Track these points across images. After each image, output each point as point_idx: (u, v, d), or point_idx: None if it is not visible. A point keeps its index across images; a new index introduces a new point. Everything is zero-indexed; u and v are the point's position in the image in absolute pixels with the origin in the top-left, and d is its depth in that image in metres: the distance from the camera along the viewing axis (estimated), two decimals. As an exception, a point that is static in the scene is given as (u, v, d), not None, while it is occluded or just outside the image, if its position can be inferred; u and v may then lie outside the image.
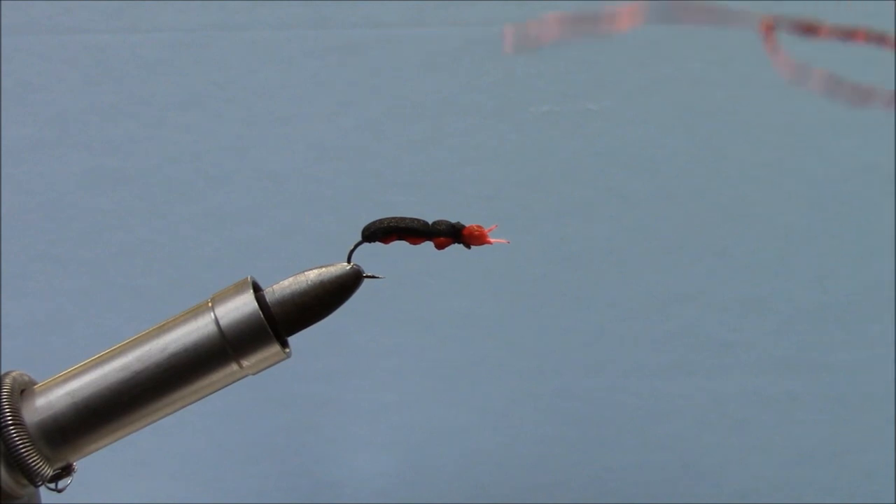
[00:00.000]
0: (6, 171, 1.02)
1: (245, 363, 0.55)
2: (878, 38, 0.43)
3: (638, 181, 1.03)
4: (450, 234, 0.57)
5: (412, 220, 0.57)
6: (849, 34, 0.43)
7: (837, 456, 1.09)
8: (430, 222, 0.57)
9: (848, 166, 1.02)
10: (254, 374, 0.57)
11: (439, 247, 0.57)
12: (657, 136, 1.02)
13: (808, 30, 0.42)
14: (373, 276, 0.57)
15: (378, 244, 0.57)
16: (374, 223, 0.57)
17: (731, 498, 1.09)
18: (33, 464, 0.54)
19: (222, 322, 0.55)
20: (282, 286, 0.56)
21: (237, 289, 0.56)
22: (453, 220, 0.57)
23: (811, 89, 0.43)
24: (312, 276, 0.56)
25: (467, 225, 0.57)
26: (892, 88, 0.45)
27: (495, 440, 1.09)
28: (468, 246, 0.57)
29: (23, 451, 0.54)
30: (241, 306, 0.55)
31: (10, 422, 0.54)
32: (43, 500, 0.59)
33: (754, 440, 1.09)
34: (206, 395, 0.57)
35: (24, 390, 0.57)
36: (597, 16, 0.44)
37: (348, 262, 0.56)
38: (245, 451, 1.10)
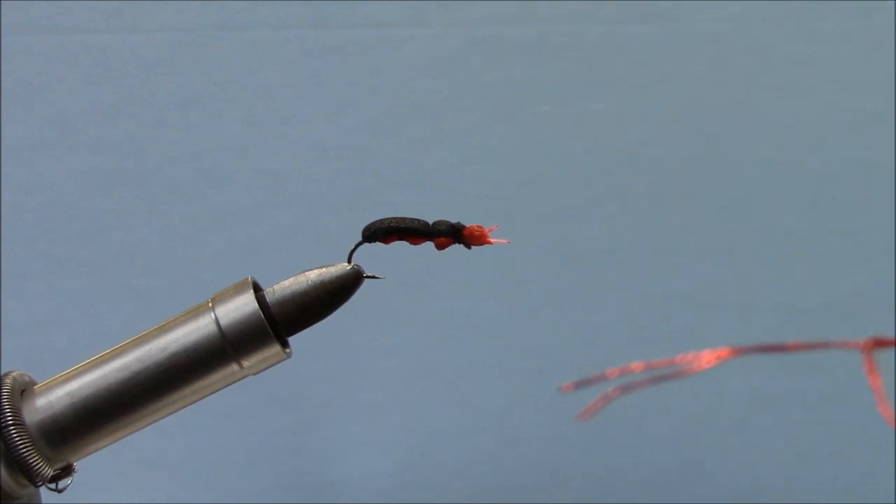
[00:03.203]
0: (6, 171, 1.02)
1: (245, 363, 0.55)
2: None
3: (638, 181, 1.03)
4: (450, 234, 0.57)
5: (412, 220, 0.57)
6: None
7: (837, 456, 1.09)
8: (430, 222, 0.57)
9: (848, 166, 1.02)
10: (254, 375, 0.57)
11: (439, 247, 0.57)
12: (657, 136, 1.02)
13: None
14: (373, 277, 0.57)
15: (378, 244, 0.57)
16: (374, 223, 0.57)
17: (731, 498, 1.09)
18: (33, 464, 0.54)
19: (222, 322, 0.55)
20: (282, 286, 0.56)
21: (237, 289, 0.56)
22: (453, 220, 0.57)
23: None
24: (313, 276, 0.56)
25: (467, 225, 0.57)
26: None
27: (495, 440, 1.09)
28: (468, 246, 0.57)
29: (23, 451, 0.54)
30: (242, 306, 0.55)
31: (10, 422, 0.54)
32: (43, 500, 0.59)
33: (754, 440, 1.09)
34: (206, 396, 0.56)
35: (24, 390, 0.57)
36: (675, 364, 0.45)
37: (348, 262, 0.56)
38: (245, 451, 1.10)
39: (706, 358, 0.45)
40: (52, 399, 0.56)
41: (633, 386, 0.45)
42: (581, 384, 0.45)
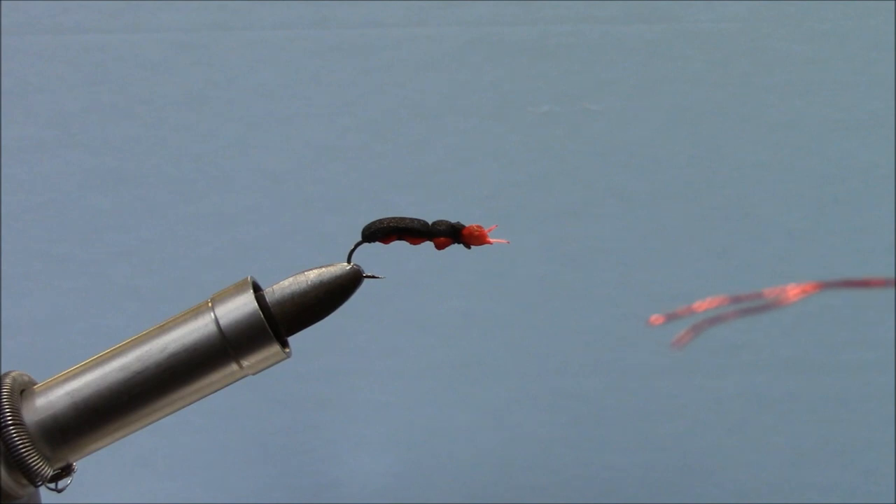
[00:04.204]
0: (6, 171, 1.02)
1: (245, 363, 0.55)
2: None
3: (638, 181, 1.03)
4: (450, 234, 0.57)
5: (412, 220, 0.57)
6: None
7: (837, 456, 1.09)
8: (430, 222, 0.57)
9: (848, 166, 1.02)
10: (254, 374, 0.57)
11: (439, 247, 0.57)
12: (657, 136, 1.02)
13: None
14: (373, 276, 0.57)
15: (378, 244, 0.57)
16: (374, 223, 0.57)
17: (731, 498, 1.09)
18: (33, 464, 0.54)
19: (222, 322, 0.55)
20: (282, 286, 0.56)
21: (237, 289, 0.56)
22: (453, 220, 0.57)
23: None
24: (312, 276, 0.56)
25: (467, 225, 0.57)
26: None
27: (495, 440, 1.09)
28: (468, 246, 0.57)
29: (23, 451, 0.54)
30: (241, 306, 0.55)
31: (10, 422, 0.54)
32: (43, 500, 0.59)
33: (754, 440, 1.09)
34: (206, 395, 0.56)
35: (24, 390, 0.57)
36: (762, 297, 0.45)
37: (348, 262, 0.56)
38: (245, 451, 1.10)
39: (793, 291, 0.45)
40: (51, 399, 0.56)
41: (721, 317, 0.45)
42: (671, 317, 0.46)
